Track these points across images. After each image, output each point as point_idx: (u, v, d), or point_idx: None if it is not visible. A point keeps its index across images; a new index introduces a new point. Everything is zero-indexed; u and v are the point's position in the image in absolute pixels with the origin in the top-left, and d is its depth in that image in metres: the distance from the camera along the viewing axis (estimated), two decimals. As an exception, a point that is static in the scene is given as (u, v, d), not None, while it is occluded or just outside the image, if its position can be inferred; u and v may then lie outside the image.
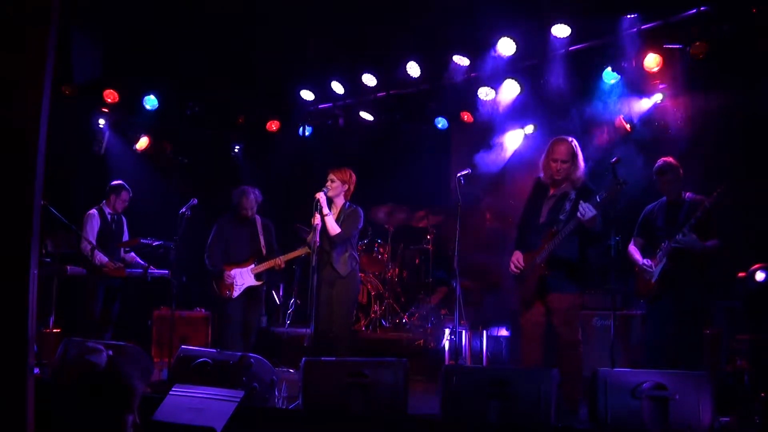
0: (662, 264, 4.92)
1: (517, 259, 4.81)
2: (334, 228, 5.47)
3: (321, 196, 5.42)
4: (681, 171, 5.06)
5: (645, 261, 5.05)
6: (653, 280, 4.98)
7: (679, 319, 4.84)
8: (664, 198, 5.17)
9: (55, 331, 6.50)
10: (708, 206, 4.73)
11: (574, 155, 4.69)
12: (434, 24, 6.77)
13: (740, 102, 5.86)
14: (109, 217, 6.79)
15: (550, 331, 4.70)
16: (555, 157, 4.69)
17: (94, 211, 6.71)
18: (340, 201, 5.68)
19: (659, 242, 4.99)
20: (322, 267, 5.47)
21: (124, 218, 6.98)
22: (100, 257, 6.46)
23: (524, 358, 4.86)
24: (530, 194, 4.99)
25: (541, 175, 4.86)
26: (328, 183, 5.57)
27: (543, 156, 4.82)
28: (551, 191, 4.81)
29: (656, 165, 5.14)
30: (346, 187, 5.65)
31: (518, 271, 4.79)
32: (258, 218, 6.57)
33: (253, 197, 6.50)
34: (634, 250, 5.22)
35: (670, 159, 5.12)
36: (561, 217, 4.64)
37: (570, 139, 4.76)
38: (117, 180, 6.98)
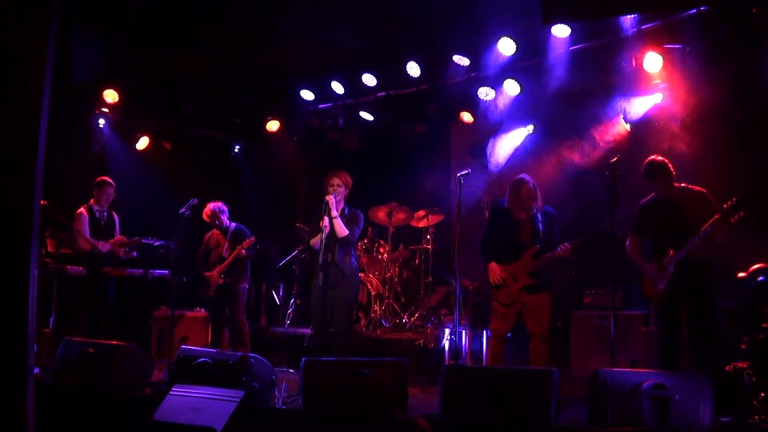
0: (670, 273, 4.86)
1: (501, 271, 5.33)
2: (342, 230, 5.49)
3: (331, 198, 5.45)
4: (671, 167, 4.90)
5: (650, 268, 4.96)
6: (661, 287, 4.88)
7: (691, 321, 4.83)
8: (659, 195, 5.02)
9: (55, 331, 6.50)
10: (718, 218, 4.66)
11: (536, 191, 5.37)
12: (434, 24, 6.76)
13: (740, 101, 5.85)
14: (97, 213, 6.92)
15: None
16: (525, 197, 5.33)
17: (82, 209, 6.86)
18: (340, 205, 5.67)
19: (664, 247, 4.88)
20: (325, 267, 5.48)
21: (115, 215, 7.02)
22: (96, 244, 6.63)
23: (493, 359, 5.35)
24: (493, 217, 5.58)
25: (507, 205, 5.43)
26: (335, 187, 5.55)
27: (510, 196, 5.36)
28: (523, 216, 5.35)
29: (643, 167, 4.96)
30: (347, 190, 5.66)
31: (501, 282, 5.31)
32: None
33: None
34: (633, 252, 5.11)
35: (656, 158, 4.94)
36: (539, 236, 5.31)
37: (528, 179, 5.39)
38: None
